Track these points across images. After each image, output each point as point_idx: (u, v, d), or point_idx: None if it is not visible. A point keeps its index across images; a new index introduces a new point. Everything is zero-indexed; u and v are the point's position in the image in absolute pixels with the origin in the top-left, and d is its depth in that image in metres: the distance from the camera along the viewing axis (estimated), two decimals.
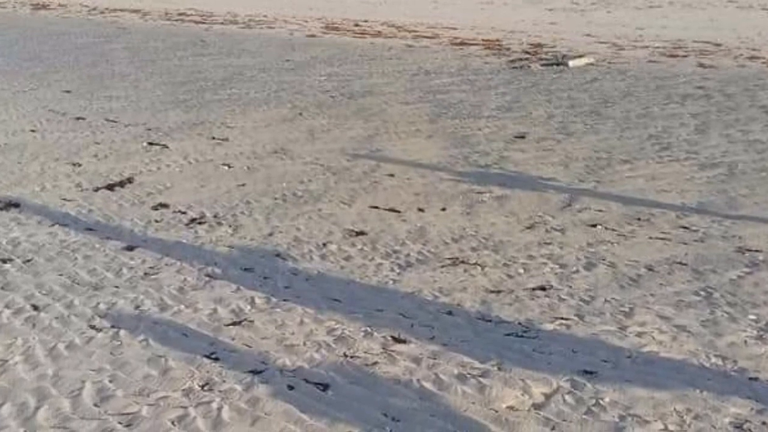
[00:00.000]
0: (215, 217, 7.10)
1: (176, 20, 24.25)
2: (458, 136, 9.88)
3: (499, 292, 5.47)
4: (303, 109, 11.75)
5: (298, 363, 4.54)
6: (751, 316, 5.04)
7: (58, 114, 11.61)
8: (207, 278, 5.76)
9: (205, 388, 4.29)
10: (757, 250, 6.09)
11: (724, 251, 6.10)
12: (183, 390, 4.28)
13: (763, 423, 3.93)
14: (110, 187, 7.97)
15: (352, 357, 4.60)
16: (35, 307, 5.30)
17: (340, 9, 25.72)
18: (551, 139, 9.63)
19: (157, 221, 7.00)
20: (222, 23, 23.10)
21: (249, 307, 5.28)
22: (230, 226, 6.87)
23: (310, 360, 4.57)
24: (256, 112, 11.58)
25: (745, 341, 4.73)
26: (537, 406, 4.11)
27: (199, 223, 6.94)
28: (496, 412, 4.07)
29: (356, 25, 21.78)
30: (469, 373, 4.40)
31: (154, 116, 11.42)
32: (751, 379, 4.33)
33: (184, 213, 7.20)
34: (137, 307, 5.31)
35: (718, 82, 12.86)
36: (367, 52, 17.11)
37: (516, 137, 9.77)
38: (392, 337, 4.82)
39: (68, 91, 13.41)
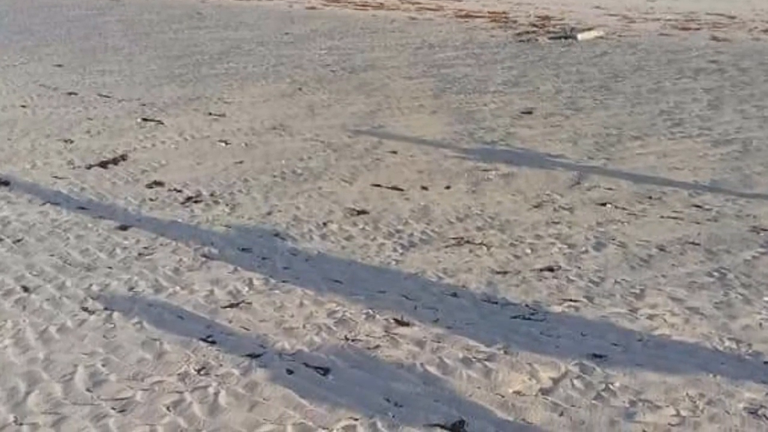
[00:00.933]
0: (212, 195, 7.08)
1: None
2: (463, 112, 9.84)
3: (505, 273, 5.45)
4: (302, 83, 11.71)
5: (298, 346, 4.52)
6: (766, 298, 5.01)
7: (49, 89, 11.57)
8: (203, 259, 5.74)
9: (202, 372, 4.27)
10: None
11: (738, 231, 6.07)
12: (178, 374, 4.26)
13: None
14: (103, 165, 7.95)
15: (353, 340, 4.58)
16: (26, 289, 5.28)
17: None
18: (559, 115, 9.59)
19: (151, 200, 6.98)
20: None
21: (247, 288, 5.26)
22: (227, 204, 6.85)
23: (310, 343, 4.55)
24: (254, 87, 11.54)
25: (760, 324, 4.70)
26: (545, 391, 4.09)
27: (195, 202, 6.92)
28: (503, 397, 4.05)
29: None
30: (474, 357, 4.38)
31: (148, 91, 11.38)
32: (766, 363, 4.30)
33: (179, 191, 7.18)
34: (131, 288, 5.29)
35: (732, 56, 12.79)
36: (369, 24, 17.05)
37: (523, 113, 9.73)
38: (395, 319, 4.80)
39: (60, 66, 13.37)
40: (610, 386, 4.11)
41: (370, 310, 4.92)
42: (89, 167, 7.90)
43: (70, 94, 11.26)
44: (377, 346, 4.51)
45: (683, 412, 3.90)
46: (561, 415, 3.90)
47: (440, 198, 6.92)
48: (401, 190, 7.14)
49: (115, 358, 4.42)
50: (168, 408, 3.98)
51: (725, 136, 8.55)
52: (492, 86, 11.23)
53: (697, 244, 5.83)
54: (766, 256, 5.61)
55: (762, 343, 4.48)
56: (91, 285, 5.33)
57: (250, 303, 5.05)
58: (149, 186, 7.33)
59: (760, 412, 3.89)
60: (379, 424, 3.82)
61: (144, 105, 10.48)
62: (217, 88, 11.49)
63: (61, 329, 4.76)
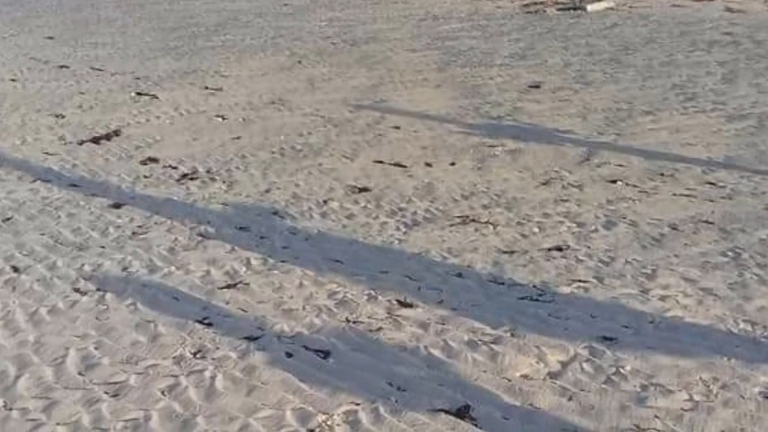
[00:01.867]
0: (208, 172, 7.06)
1: None
2: (468, 86, 9.79)
3: (512, 252, 5.42)
4: (302, 56, 11.66)
5: (297, 329, 4.50)
6: None
7: (40, 62, 11.54)
8: (199, 238, 5.73)
9: (198, 355, 4.26)
10: None
11: (753, 209, 6.03)
12: (174, 357, 4.24)
13: None
14: (96, 140, 7.93)
15: (354, 322, 4.57)
16: (15, 269, 5.27)
17: None
18: (568, 89, 9.54)
19: (146, 177, 6.97)
20: None
21: (244, 268, 5.25)
22: (224, 182, 6.83)
23: (310, 325, 4.54)
24: (252, 60, 11.49)
25: None
26: (553, 375, 4.07)
27: (191, 179, 6.90)
28: (509, 381, 4.03)
29: None
30: (480, 340, 4.36)
31: (142, 64, 11.33)
32: None
33: (174, 168, 7.17)
34: (125, 268, 5.28)
35: (746, 28, 12.71)
36: None
37: (530, 87, 9.68)
38: (398, 300, 4.79)
39: (51, 38, 13.33)
40: (621, 370, 4.08)
41: (372, 291, 4.90)
42: (81, 143, 7.88)
43: (62, 67, 11.22)
44: (379, 329, 4.50)
45: (696, 397, 3.87)
46: (570, 399, 3.88)
47: (445, 175, 6.90)
48: (404, 166, 7.12)
49: (107, 341, 4.41)
50: (163, 392, 3.96)
51: (740, 110, 8.49)
52: (498, 59, 11.17)
53: (711, 223, 5.79)
54: None
55: None
56: (83, 265, 5.32)
57: (247, 284, 5.03)
58: (143, 162, 7.31)
59: None
60: (382, 409, 3.80)
61: (138, 79, 10.44)
62: (213, 61, 11.44)
63: (52, 311, 4.75)
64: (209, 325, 4.54)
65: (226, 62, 11.37)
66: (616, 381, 4.00)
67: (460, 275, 5.13)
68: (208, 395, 3.94)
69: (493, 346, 4.31)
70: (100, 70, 10.97)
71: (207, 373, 4.10)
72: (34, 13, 15.65)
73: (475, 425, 3.70)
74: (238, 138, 7.98)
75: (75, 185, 6.76)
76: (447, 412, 3.78)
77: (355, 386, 3.97)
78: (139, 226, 5.93)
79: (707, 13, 14.13)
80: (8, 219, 6.09)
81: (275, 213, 6.16)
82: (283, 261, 5.32)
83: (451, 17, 14.43)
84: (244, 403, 3.87)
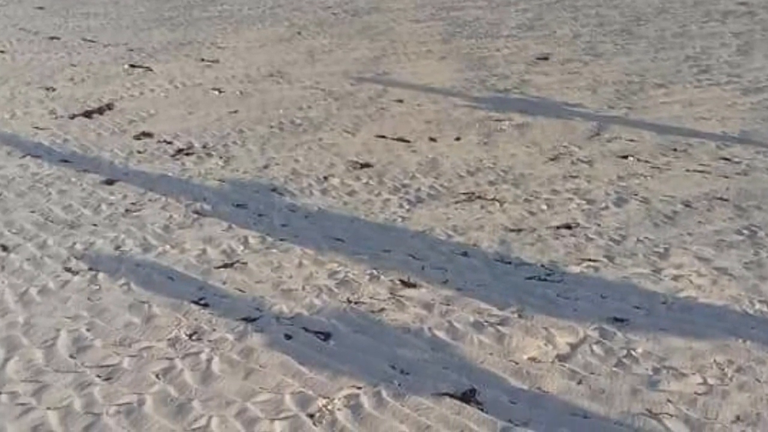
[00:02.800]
0: (204, 147, 7.04)
1: None
2: (474, 58, 9.75)
3: (519, 230, 5.41)
4: (302, 27, 11.61)
5: (297, 310, 4.49)
6: None
7: (29, 33, 11.49)
8: (195, 215, 5.71)
9: (193, 337, 4.24)
10: None
11: None
12: (168, 339, 4.22)
13: None
14: (88, 114, 7.90)
15: (356, 303, 4.55)
16: (4, 248, 5.26)
17: None
18: (577, 61, 9.50)
19: (139, 152, 6.95)
20: None
21: (242, 247, 5.23)
22: (221, 157, 6.81)
23: (310, 306, 4.52)
24: (249, 31, 11.44)
25: None
26: (562, 358, 4.05)
27: (187, 154, 6.88)
28: (517, 363, 4.01)
29: None
30: (486, 321, 4.35)
31: (136, 35, 11.28)
32: None
33: (169, 143, 7.15)
34: (118, 247, 5.26)
35: None
36: None
37: (538, 59, 9.64)
38: (401, 280, 4.77)
39: (41, 8, 13.27)
40: (632, 352, 4.07)
41: (374, 271, 4.88)
42: (73, 117, 7.85)
43: (52, 38, 11.17)
44: (382, 310, 4.48)
45: (710, 380, 3.86)
46: (579, 383, 3.86)
47: (449, 150, 6.88)
48: (408, 141, 7.10)
49: (100, 322, 4.39)
50: (157, 376, 3.94)
51: (756, 83, 8.46)
52: (505, 30, 11.13)
53: (726, 200, 5.77)
54: None
55: None
56: (74, 244, 5.30)
57: (245, 263, 5.01)
58: (137, 137, 7.29)
59: None
60: (384, 393, 3.79)
61: (131, 50, 10.39)
62: (209, 32, 11.39)
63: (42, 291, 4.73)
64: (205, 305, 4.52)
65: (222, 33, 11.33)
66: (627, 364, 3.99)
67: (465, 254, 5.12)
68: (204, 378, 3.92)
69: (499, 327, 4.29)
70: (92, 41, 10.93)
71: (203, 356, 4.08)
72: None
73: (481, 410, 3.69)
74: (236, 112, 7.95)
75: (66, 161, 6.73)
76: (452, 396, 3.77)
77: (357, 369, 3.95)
78: (133, 203, 5.90)
79: None
80: None
81: (274, 189, 6.14)
82: (281, 239, 5.30)
83: None
84: (241, 386, 3.85)
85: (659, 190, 5.96)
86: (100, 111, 8.01)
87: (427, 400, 3.74)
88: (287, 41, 10.85)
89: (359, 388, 3.82)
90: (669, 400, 3.74)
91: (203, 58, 9.97)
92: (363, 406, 3.72)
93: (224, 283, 4.78)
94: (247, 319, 4.38)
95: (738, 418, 3.61)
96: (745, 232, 5.30)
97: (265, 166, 6.59)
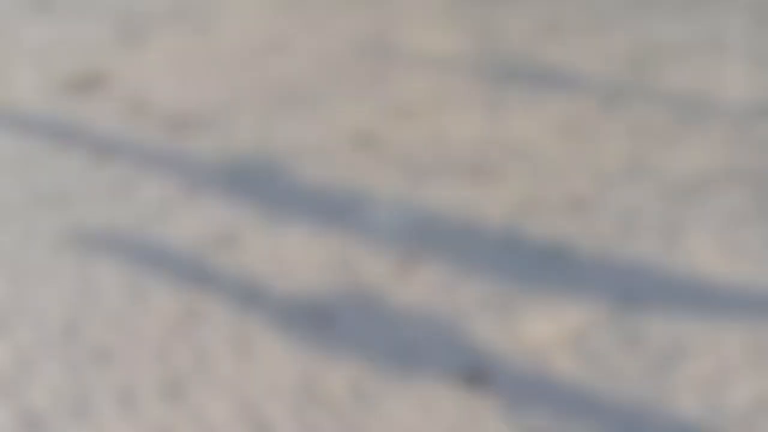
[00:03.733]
0: (200, 120, 7.02)
1: None
2: (480, 27, 9.70)
3: (527, 206, 5.40)
4: None
5: (296, 289, 4.49)
6: None
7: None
8: (192, 191, 5.70)
9: (191, 316, 4.25)
10: None
11: None
12: (165, 319, 4.23)
13: None
14: (80, 87, 7.88)
15: (358, 280, 4.56)
16: None
17: None
18: (590, 31, 9.44)
19: (133, 126, 6.93)
20: None
21: (240, 223, 5.22)
22: (218, 130, 6.79)
23: (311, 283, 4.53)
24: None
25: None
26: (571, 338, 4.06)
27: (183, 127, 6.86)
28: (524, 343, 4.02)
29: None
30: (491, 299, 4.35)
31: (127, 2, 11.24)
32: None
33: (166, 116, 7.13)
34: (111, 225, 5.25)
35: None
36: None
37: (548, 28, 9.58)
38: (405, 257, 4.77)
39: None
40: (645, 332, 4.07)
41: (376, 247, 4.88)
42: (66, 90, 7.83)
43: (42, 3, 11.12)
44: (385, 287, 4.49)
45: (727, 362, 3.85)
46: (589, 364, 3.87)
47: (455, 123, 6.86)
48: (412, 113, 7.07)
49: (93, 303, 4.39)
50: (153, 357, 3.95)
51: None
52: None
53: (746, 172, 5.76)
54: None
55: None
56: (65, 221, 5.29)
57: (245, 239, 5.02)
58: (132, 110, 7.27)
59: None
60: (386, 376, 3.79)
61: (125, 17, 10.34)
62: (206, 0, 11.34)
63: (31, 270, 4.72)
64: (203, 282, 4.53)
65: (220, 0, 11.28)
66: (637, 344, 3.99)
67: (471, 230, 5.11)
68: (200, 362, 3.93)
69: (506, 306, 4.30)
70: (84, 7, 10.89)
71: (200, 338, 4.08)
72: None
73: (488, 392, 3.69)
74: (234, 83, 7.93)
75: (57, 135, 6.72)
76: (457, 375, 3.78)
77: (359, 350, 3.96)
78: (127, 178, 5.89)
79: None
80: None
81: (274, 163, 6.13)
82: (281, 216, 5.31)
83: None
84: (239, 370, 3.86)
85: (673, 165, 5.95)
86: (94, 82, 8.00)
87: (431, 382, 3.74)
88: (287, 8, 10.80)
89: (360, 370, 3.83)
90: (684, 382, 3.74)
91: (200, 28, 9.94)
92: (364, 389, 3.73)
93: (222, 261, 4.79)
94: (246, 299, 4.38)
95: (758, 399, 3.61)
96: (765, 207, 5.30)
97: (264, 140, 6.58)
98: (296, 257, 4.82)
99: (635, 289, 4.43)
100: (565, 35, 9.38)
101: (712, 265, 4.66)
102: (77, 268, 4.76)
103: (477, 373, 3.81)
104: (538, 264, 4.72)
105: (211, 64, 8.60)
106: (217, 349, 4.01)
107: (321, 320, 4.22)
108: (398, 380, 3.77)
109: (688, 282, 4.51)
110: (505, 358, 3.94)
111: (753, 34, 9.13)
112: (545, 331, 4.12)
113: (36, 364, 3.91)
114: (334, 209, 5.41)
